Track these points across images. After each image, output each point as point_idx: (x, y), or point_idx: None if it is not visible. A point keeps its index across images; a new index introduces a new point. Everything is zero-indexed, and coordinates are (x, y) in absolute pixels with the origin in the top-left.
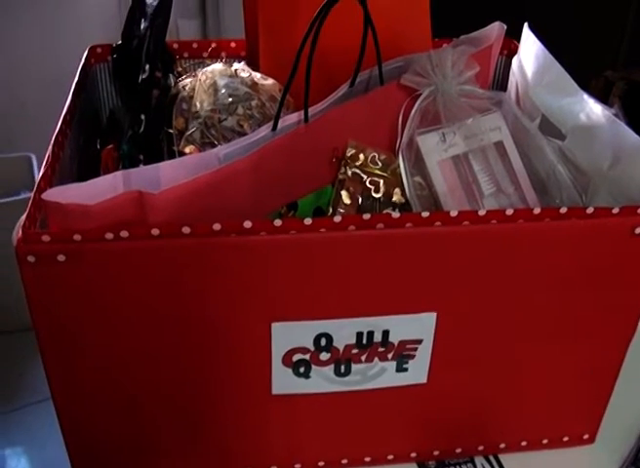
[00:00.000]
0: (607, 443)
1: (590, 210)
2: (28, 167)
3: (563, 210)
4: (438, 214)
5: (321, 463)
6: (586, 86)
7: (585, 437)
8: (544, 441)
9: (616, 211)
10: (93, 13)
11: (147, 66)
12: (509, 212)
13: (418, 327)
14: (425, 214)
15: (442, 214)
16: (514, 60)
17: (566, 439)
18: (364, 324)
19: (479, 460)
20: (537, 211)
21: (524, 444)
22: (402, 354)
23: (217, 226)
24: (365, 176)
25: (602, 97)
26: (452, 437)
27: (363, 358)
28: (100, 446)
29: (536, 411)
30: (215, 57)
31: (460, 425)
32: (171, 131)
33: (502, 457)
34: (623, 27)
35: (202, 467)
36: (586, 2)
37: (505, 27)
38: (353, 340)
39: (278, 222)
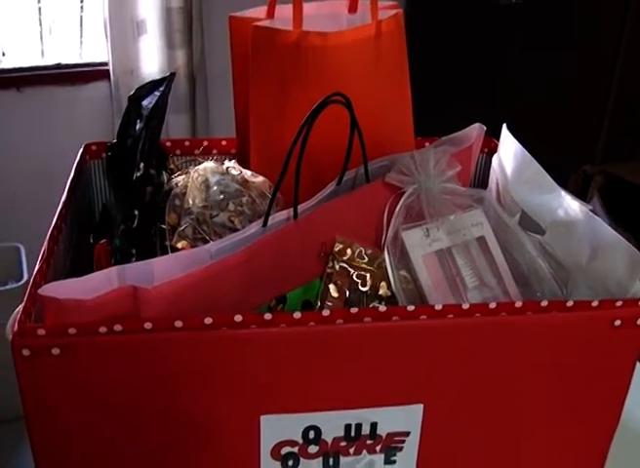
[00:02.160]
0: None
1: (570, 303)
2: (16, 257)
3: (544, 303)
4: (423, 307)
5: None
6: (566, 180)
7: None
8: None
9: (595, 304)
10: (86, 111)
11: (142, 165)
12: (492, 305)
13: (405, 418)
14: (411, 307)
15: (427, 307)
16: (494, 158)
17: None
18: (352, 416)
19: None
20: (518, 304)
21: None
22: (390, 446)
23: (208, 320)
24: (352, 270)
25: (581, 191)
26: None
27: (351, 451)
28: None
29: None
30: (206, 154)
31: None
32: (163, 226)
33: None
34: (601, 122)
35: None
36: (564, 97)
37: (485, 128)
38: (341, 433)
39: (268, 316)
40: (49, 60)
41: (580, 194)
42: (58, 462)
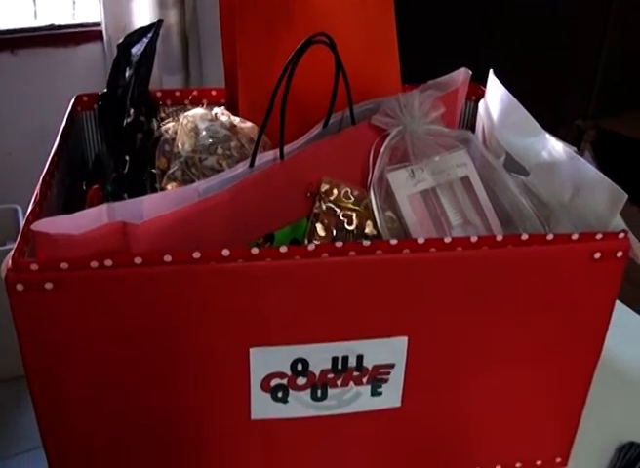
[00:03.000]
0: (579, 466)
1: (550, 236)
2: (14, 218)
3: (525, 236)
4: (406, 241)
5: None
6: (558, 135)
7: (558, 460)
8: (518, 464)
9: (575, 237)
10: (80, 72)
11: (132, 111)
12: (474, 239)
13: (390, 351)
14: (394, 241)
15: (410, 241)
16: (481, 104)
17: (539, 463)
18: (339, 348)
19: None
20: (499, 238)
21: (498, 467)
22: (376, 378)
23: (196, 254)
24: (338, 210)
25: (574, 145)
26: (427, 461)
27: (339, 382)
28: (81, 465)
29: (508, 434)
30: (196, 104)
31: (435, 449)
32: (154, 170)
33: None
34: (594, 76)
35: None
36: (558, 52)
37: (470, 73)
38: (329, 365)
39: (255, 250)
40: (42, 22)
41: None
42: (54, 396)
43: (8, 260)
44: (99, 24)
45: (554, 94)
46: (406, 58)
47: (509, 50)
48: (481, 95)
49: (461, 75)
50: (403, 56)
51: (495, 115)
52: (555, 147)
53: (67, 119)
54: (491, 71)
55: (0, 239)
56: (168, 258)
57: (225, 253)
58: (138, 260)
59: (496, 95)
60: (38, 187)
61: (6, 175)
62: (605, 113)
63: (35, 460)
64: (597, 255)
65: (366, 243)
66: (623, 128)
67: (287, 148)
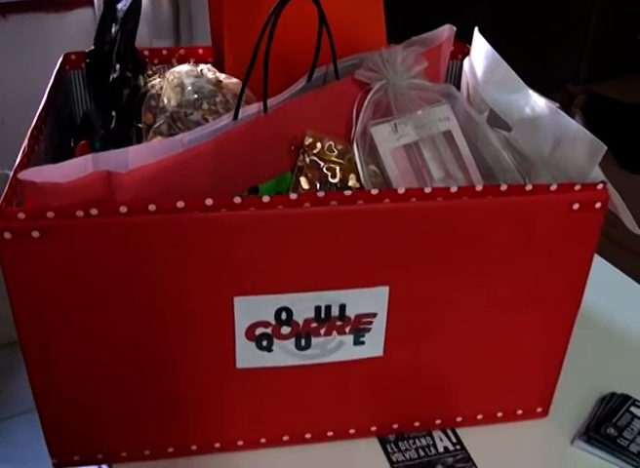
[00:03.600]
0: (560, 416)
1: (529, 187)
2: (5, 184)
3: (504, 187)
4: (387, 191)
5: (285, 438)
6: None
7: (539, 410)
8: (499, 414)
9: (554, 187)
10: (71, 37)
11: (118, 66)
12: (454, 189)
13: (372, 300)
14: (375, 191)
15: (391, 191)
16: (466, 61)
17: (520, 412)
18: (321, 298)
19: (437, 434)
20: (479, 188)
21: (480, 417)
22: (358, 328)
23: (180, 204)
24: (322, 163)
25: (564, 110)
26: (410, 410)
27: (322, 331)
28: (72, 419)
29: (489, 384)
30: (183, 62)
31: (418, 398)
32: (140, 125)
33: (460, 432)
34: (584, 41)
35: (170, 440)
36: (548, 17)
37: (455, 29)
38: (312, 314)
39: (238, 199)
40: None
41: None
42: (43, 347)
43: None
44: None
45: (544, 58)
46: (392, 16)
47: (498, 12)
48: (467, 53)
49: (446, 31)
50: (389, 13)
51: (479, 72)
52: (538, 102)
53: (55, 76)
54: (476, 29)
55: None
56: (152, 207)
57: (209, 202)
58: (123, 209)
59: (480, 52)
60: (26, 141)
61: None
62: (596, 78)
63: (29, 422)
64: (576, 206)
65: (347, 193)
66: (614, 92)
67: (271, 102)
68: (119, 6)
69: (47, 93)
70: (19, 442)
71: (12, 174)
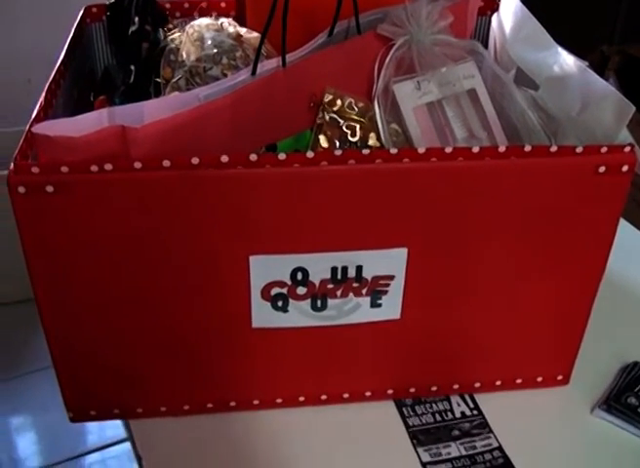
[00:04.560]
0: (581, 384)
1: (554, 148)
2: None
3: (528, 148)
4: (407, 150)
5: (301, 398)
6: (582, 59)
7: (559, 378)
8: (518, 380)
9: (579, 150)
10: None
11: (137, 19)
12: (475, 149)
13: (389, 262)
14: (394, 150)
15: (410, 151)
16: (494, 17)
17: (540, 379)
18: (338, 258)
19: (454, 399)
20: (502, 149)
21: (498, 383)
22: (375, 290)
23: (195, 160)
24: (342, 121)
25: (597, 72)
26: (427, 374)
27: (338, 293)
28: (88, 375)
29: (508, 350)
30: (205, 15)
31: (435, 362)
32: (159, 80)
33: (478, 398)
34: (619, 2)
35: (186, 398)
36: None
37: None
38: (328, 275)
39: (254, 157)
40: None
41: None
42: (59, 302)
43: (11, 163)
44: None
45: (578, 18)
46: None
47: None
48: (496, 9)
49: None
50: None
51: (507, 28)
52: (566, 61)
53: (75, 30)
54: None
55: None
56: (167, 163)
57: (224, 159)
58: (137, 165)
59: (509, 7)
60: (43, 94)
61: (25, 101)
62: (631, 39)
63: (50, 377)
64: (602, 169)
65: (365, 151)
66: None
67: (290, 56)
68: None
69: (66, 47)
70: (39, 396)
71: (27, 127)
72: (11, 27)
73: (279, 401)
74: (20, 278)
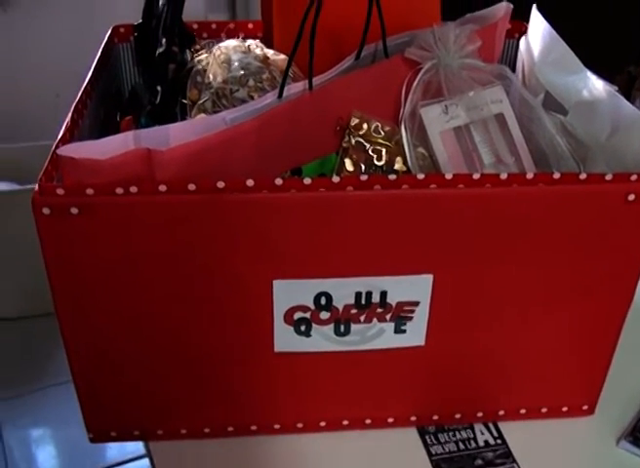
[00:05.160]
0: (606, 415)
1: (584, 176)
2: None
3: (556, 175)
4: (434, 176)
5: (322, 423)
6: (608, 81)
7: (585, 408)
8: (543, 410)
9: (609, 177)
10: (128, 3)
11: (164, 41)
12: (503, 176)
13: (415, 288)
14: (421, 176)
15: (437, 176)
16: (522, 41)
17: (565, 409)
18: (362, 284)
19: (478, 427)
20: (530, 175)
21: (523, 412)
22: (400, 315)
23: (220, 184)
24: (368, 145)
25: (625, 92)
26: (451, 402)
27: (362, 318)
28: (109, 396)
29: (534, 378)
30: (232, 37)
31: (459, 390)
32: (185, 101)
33: (502, 426)
34: None
35: (209, 422)
36: None
37: (512, 7)
38: (352, 300)
39: (279, 181)
40: None
41: (623, 96)
42: (81, 322)
43: (36, 185)
44: None
45: (605, 38)
46: None
47: None
48: (524, 32)
49: (502, 9)
50: None
51: (535, 51)
52: (596, 85)
53: (103, 50)
54: (534, 6)
55: None
56: (192, 187)
57: (250, 183)
58: (162, 188)
59: (538, 31)
60: (69, 115)
61: (53, 115)
62: None
63: (69, 392)
64: (631, 197)
65: (392, 177)
66: None
67: (317, 80)
68: None
69: (93, 66)
70: (61, 409)
71: (53, 148)
72: (40, 42)
73: (300, 425)
74: (44, 292)
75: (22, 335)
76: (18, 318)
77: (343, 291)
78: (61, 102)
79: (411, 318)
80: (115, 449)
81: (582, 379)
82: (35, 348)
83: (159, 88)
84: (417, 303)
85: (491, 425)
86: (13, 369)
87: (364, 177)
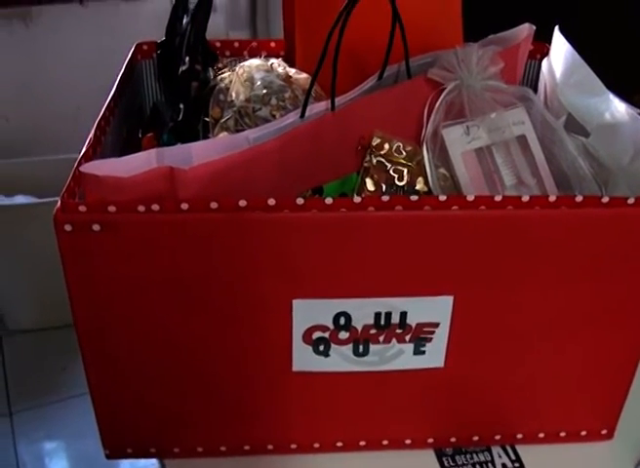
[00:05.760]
0: (625, 439)
1: (606, 199)
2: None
3: (579, 198)
4: (455, 198)
5: (339, 444)
6: (629, 101)
7: (604, 432)
8: (562, 434)
9: (631, 201)
10: (148, 26)
11: (187, 59)
12: (525, 198)
13: (435, 310)
14: (443, 197)
15: (459, 198)
16: (544, 62)
17: (584, 433)
18: (382, 304)
19: (496, 450)
20: (552, 198)
21: (541, 436)
22: (419, 337)
23: (242, 202)
24: (389, 165)
25: None
26: (469, 424)
27: (381, 339)
28: (127, 413)
29: (553, 402)
30: (255, 55)
31: (478, 412)
32: (207, 119)
33: (520, 449)
34: None
35: (225, 440)
36: (631, 16)
37: (534, 28)
38: (371, 321)
39: (300, 201)
40: None
41: None
42: (98, 336)
43: (58, 201)
44: None
45: (628, 57)
46: (471, 13)
47: (581, 10)
48: (546, 53)
49: (525, 31)
50: (467, 10)
51: (558, 73)
52: (618, 108)
53: (126, 66)
54: (556, 28)
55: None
56: (214, 205)
57: (271, 202)
58: (184, 206)
59: (560, 52)
60: (92, 131)
61: (74, 128)
62: None
63: (83, 405)
64: None
65: (413, 198)
66: None
67: (339, 100)
68: None
69: (116, 83)
70: (74, 422)
71: (75, 165)
72: (61, 56)
73: (317, 445)
74: (60, 304)
75: (38, 347)
76: (33, 330)
77: (363, 311)
78: (82, 115)
79: (430, 339)
80: (128, 463)
81: (602, 404)
82: (51, 360)
83: (181, 105)
84: (436, 325)
85: (509, 448)
86: (27, 381)
87: (385, 198)
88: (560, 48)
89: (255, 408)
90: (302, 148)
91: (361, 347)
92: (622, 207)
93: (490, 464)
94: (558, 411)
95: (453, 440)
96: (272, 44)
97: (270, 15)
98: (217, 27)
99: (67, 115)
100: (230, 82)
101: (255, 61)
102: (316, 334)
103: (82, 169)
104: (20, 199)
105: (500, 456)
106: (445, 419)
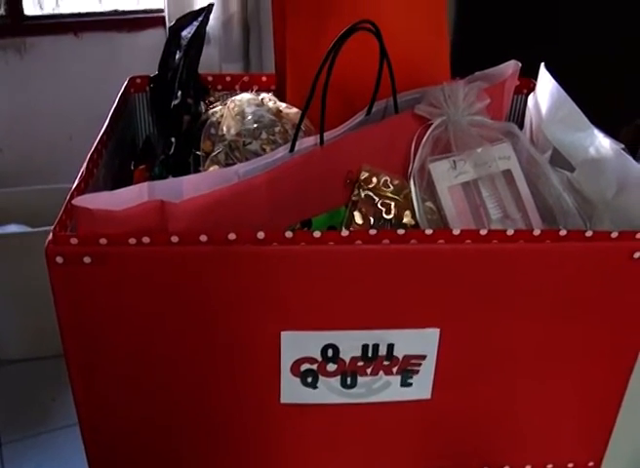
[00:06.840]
0: None
1: (590, 233)
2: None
3: (563, 232)
4: (441, 231)
5: None
6: (617, 134)
7: (590, 464)
8: (549, 466)
9: (614, 235)
10: (141, 57)
11: (180, 93)
12: (510, 232)
13: (421, 342)
14: (429, 231)
15: (445, 232)
16: (530, 98)
17: (571, 465)
18: (369, 336)
19: None
20: (537, 232)
21: (528, 467)
22: (406, 369)
23: (232, 236)
24: (377, 199)
25: (633, 145)
26: (457, 455)
27: (368, 371)
28: (116, 450)
29: (540, 434)
30: (246, 89)
31: (465, 443)
32: (198, 153)
33: None
34: None
35: None
36: (617, 50)
37: (520, 65)
38: (359, 353)
39: (289, 234)
40: (106, 6)
41: (633, 148)
42: (89, 370)
43: (50, 233)
44: (162, 11)
45: (613, 91)
46: (458, 50)
47: (566, 43)
48: (532, 88)
49: (510, 68)
50: (454, 48)
51: (543, 109)
52: (602, 143)
53: (119, 100)
54: (542, 65)
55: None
56: (204, 238)
57: (260, 235)
58: (174, 239)
59: (546, 88)
60: (85, 165)
61: (66, 158)
62: None
63: (73, 435)
64: (637, 255)
65: (400, 231)
66: None
67: (328, 135)
68: (184, 33)
69: (109, 116)
70: (64, 453)
71: (68, 198)
72: (55, 87)
73: None
74: (50, 333)
75: (28, 378)
76: (23, 360)
77: (350, 343)
78: (75, 145)
79: (417, 371)
80: None
81: (588, 435)
82: (40, 391)
83: (173, 139)
84: (423, 357)
85: None
86: (18, 411)
87: (373, 232)
88: (546, 84)
89: (243, 440)
90: (291, 182)
91: (349, 379)
92: (606, 241)
93: None
94: (545, 443)
95: None
96: (264, 78)
97: (263, 48)
98: (210, 59)
99: (60, 145)
100: (222, 116)
101: (246, 96)
102: (304, 366)
103: (75, 202)
104: (12, 228)
105: None
106: (432, 450)
